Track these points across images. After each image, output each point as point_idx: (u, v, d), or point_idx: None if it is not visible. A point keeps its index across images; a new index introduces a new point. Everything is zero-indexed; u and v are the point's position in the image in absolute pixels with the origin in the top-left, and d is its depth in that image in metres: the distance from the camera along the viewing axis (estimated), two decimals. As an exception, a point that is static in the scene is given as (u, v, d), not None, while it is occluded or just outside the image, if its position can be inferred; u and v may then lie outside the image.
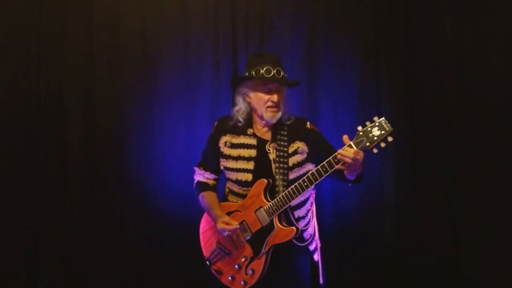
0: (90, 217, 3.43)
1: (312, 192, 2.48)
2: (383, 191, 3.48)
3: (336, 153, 2.16)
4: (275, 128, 2.42)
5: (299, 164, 2.37)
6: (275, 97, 2.35)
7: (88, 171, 3.45)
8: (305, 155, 2.38)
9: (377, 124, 2.13)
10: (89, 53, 3.46)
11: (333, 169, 2.18)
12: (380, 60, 3.52)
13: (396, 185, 3.47)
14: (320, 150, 2.38)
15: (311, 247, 2.44)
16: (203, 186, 2.52)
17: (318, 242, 2.49)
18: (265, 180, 2.31)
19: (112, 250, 3.41)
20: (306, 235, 2.40)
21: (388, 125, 2.12)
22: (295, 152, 2.38)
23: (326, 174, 2.19)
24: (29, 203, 3.37)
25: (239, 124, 2.44)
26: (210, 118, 3.37)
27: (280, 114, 2.39)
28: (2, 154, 3.36)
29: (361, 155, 2.14)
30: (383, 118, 2.14)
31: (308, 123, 2.48)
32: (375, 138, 2.12)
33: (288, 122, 2.43)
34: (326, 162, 2.18)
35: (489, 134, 3.38)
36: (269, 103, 2.35)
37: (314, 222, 2.49)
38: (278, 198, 2.26)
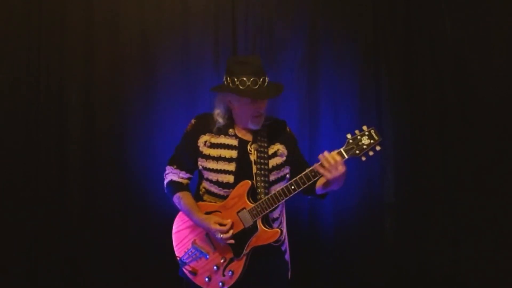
0: (90, 217, 3.43)
1: None
2: (383, 191, 3.48)
3: (323, 155, 2.15)
4: (255, 129, 2.39)
5: (278, 167, 2.36)
6: (261, 108, 2.31)
7: (88, 171, 3.44)
8: (284, 158, 2.38)
9: (366, 133, 2.15)
10: (89, 53, 3.46)
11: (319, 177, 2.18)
12: (380, 60, 3.52)
13: (396, 185, 3.47)
14: (295, 156, 2.41)
15: (283, 247, 2.44)
16: (178, 186, 2.42)
17: (287, 243, 2.49)
18: (249, 182, 2.28)
19: (112, 250, 3.41)
20: (280, 236, 2.37)
21: (378, 134, 2.15)
22: (275, 154, 2.37)
23: (315, 179, 2.19)
24: (29, 203, 3.37)
25: (219, 125, 2.39)
26: (210, 118, 3.37)
27: (263, 119, 2.36)
28: (2, 154, 3.36)
29: (343, 167, 2.13)
30: (372, 127, 2.16)
31: (287, 127, 2.49)
32: (364, 146, 2.14)
33: (267, 123, 2.41)
34: (315, 166, 2.17)
35: (489, 134, 3.38)
36: (255, 113, 2.31)
37: (284, 223, 2.48)
38: (263, 200, 2.24)
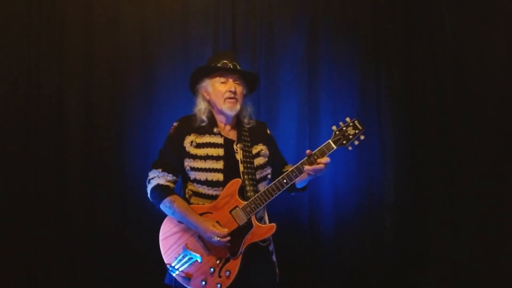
0: (89, 217, 3.43)
1: None
2: (383, 191, 3.49)
3: (316, 162, 2.27)
4: (238, 129, 2.45)
5: (262, 167, 2.41)
6: (232, 87, 2.37)
7: (87, 172, 3.44)
8: (266, 159, 2.44)
9: (350, 124, 2.30)
10: (89, 53, 3.45)
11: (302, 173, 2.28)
12: (380, 60, 3.52)
13: (396, 185, 3.47)
14: (276, 157, 2.51)
15: (271, 248, 2.43)
16: (166, 189, 2.34)
17: (273, 244, 2.48)
18: (240, 180, 2.30)
19: (111, 250, 3.40)
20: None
21: (361, 124, 2.29)
22: (258, 154, 2.42)
23: (299, 176, 2.28)
24: (28, 203, 3.37)
25: (203, 124, 2.42)
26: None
27: (238, 106, 2.40)
28: (2, 154, 3.36)
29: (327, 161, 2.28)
30: (356, 118, 2.31)
31: (267, 129, 2.56)
32: (350, 136, 2.29)
33: (249, 126, 2.47)
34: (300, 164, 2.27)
35: (489, 134, 3.39)
36: (227, 94, 2.37)
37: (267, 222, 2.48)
38: (257, 196, 2.27)
